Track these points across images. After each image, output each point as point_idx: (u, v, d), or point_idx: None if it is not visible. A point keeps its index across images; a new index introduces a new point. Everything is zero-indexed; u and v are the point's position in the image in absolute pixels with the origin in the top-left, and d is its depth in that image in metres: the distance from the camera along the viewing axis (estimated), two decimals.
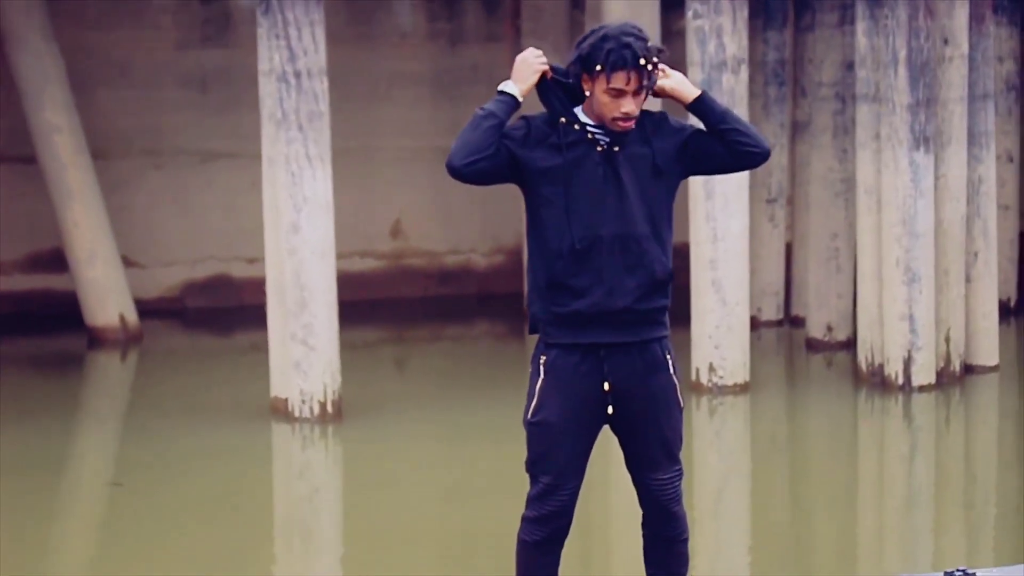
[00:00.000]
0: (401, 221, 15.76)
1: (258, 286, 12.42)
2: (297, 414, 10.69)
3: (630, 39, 5.06)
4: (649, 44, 5.09)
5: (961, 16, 11.50)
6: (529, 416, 5.25)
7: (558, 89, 5.17)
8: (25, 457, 10.07)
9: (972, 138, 11.82)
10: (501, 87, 5.22)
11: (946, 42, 11.48)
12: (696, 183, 11.40)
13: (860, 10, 11.51)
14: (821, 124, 12.98)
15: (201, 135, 15.20)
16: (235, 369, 12.96)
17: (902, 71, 11.24)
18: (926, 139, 11.29)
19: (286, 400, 10.75)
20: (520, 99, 5.20)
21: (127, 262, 14.34)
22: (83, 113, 13.83)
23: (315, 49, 10.61)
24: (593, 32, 5.14)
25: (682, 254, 12.32)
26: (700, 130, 5.28)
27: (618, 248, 5.15)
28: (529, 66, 5.22)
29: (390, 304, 15.38)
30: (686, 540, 5.28)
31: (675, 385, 5.27)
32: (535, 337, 5.23)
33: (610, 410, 5.21)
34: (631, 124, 5.11)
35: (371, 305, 15.06)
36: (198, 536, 8.47)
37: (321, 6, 10.66)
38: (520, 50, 16.26)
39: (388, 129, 15.59)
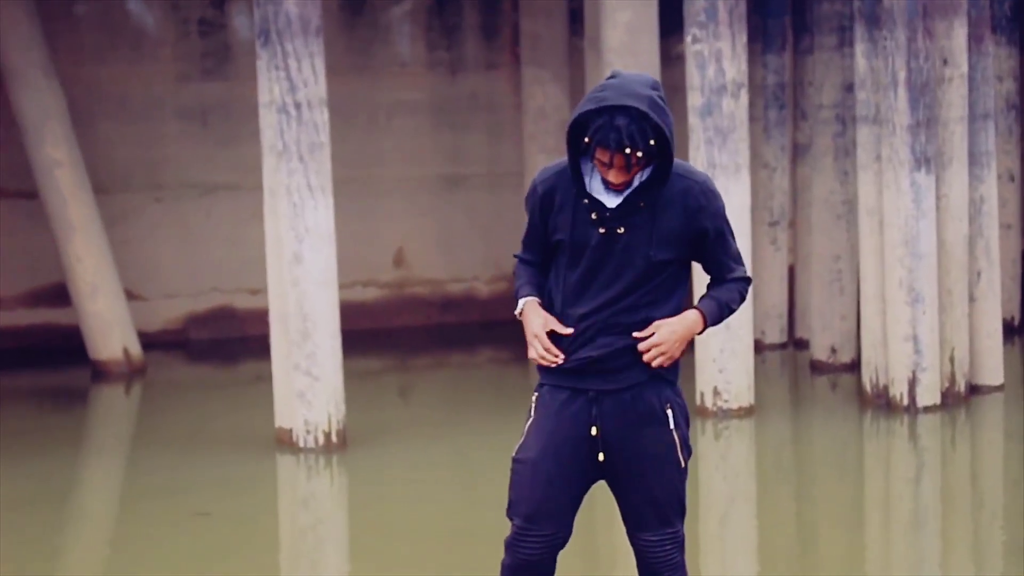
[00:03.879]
0: (403, 250, 15.76)
1: (261, 317, 12.42)
2: (302, 444, 10.69)
3: (623, 121, 4.85)
4: (646, 123, 4.86)
5: (960, 36, 11.51)
6: (514, 453, 5.11)
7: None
8: (29, 491, 10.05)
9: (973, 158, 11.83)
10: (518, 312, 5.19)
11: (945, 62, 11.49)
12: None
13: (859, 32, 11.52)
14: (822, 146, 12.99)
15: (202, 167, 15.22)
16: (239, 400, 12.95)
17: (902, 92, 11.25)
18: (927, 160, 11.29)
19: (290, 430, 10.75)
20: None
21: (130, 295, 14.34)
22: (84, 147, 13.85)
23: (315, 80, 10.62)
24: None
25: None
26: (715, 244, 5.13)
27: (611, 324, 5.02)
28: (528, 331, 5.11)
29: (393, 333, 15.38)
30: None
31: (673, 442, 5.06)
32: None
33: (601, 457, 5.02)
34: (623, 185, 4.96)
35: (374, 334, 15.06)
36: (202, 566, 8.45)
37: (320, 37, 10.68)
38: (519, 78, 16.31)
39: (389, 158, 15.61)
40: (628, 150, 4.86)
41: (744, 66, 11.40)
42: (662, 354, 5.00)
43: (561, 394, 5.05)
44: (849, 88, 12.49)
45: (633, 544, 5.14)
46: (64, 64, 14.16)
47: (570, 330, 5.03)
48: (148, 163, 15.09)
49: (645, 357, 5.00)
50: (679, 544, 5.13)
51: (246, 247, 14.73)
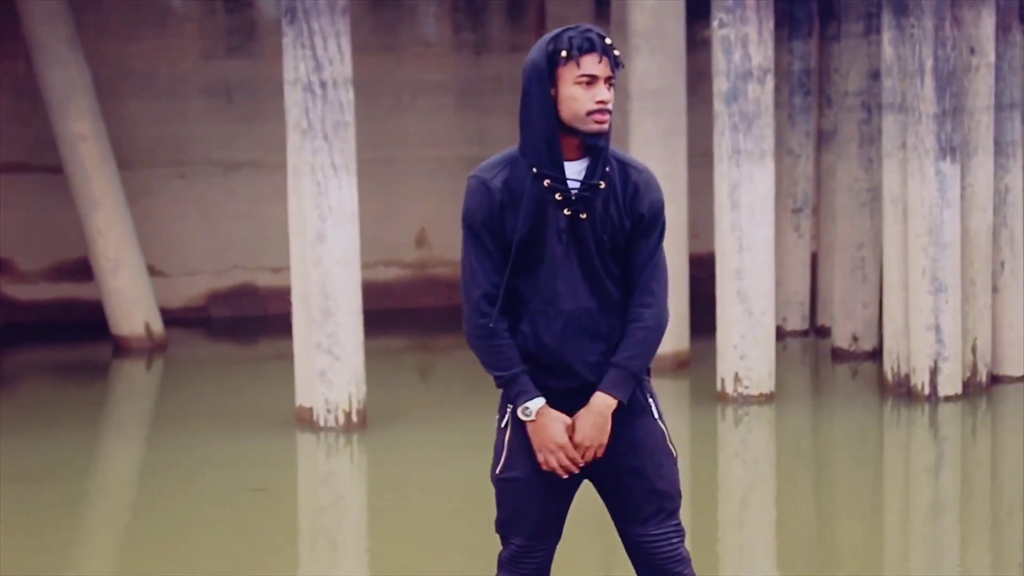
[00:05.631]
0: (426, 230, 15.77)
1: (283, 295, 12.43)
2: (322, 423, 10.70)
3: (591, 30, 4.70)
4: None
5: (987, 25, 11.47)
6: (498, 472, 4.95)
7: None
8: (50, 465, 10.09)
9: (999, 147, 11.79)
10: (523, 409, 4.86)
11: (972, 51, 11.44)
12: (722, 193, 11.38)
13: (886, 20, 11.48)
14: (847, 134, 12.95)
15: (226, 144, 15.24)
16: (260, 378, 12.97)
17: (928, 80, 11.21)
18: (952, 149, 11.25)
19: (311, 409, 10.76)
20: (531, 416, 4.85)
21: (152, 271, 14.37)
22: (108, 123, 13.87)
23: (340, 59, 10.61)
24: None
25: (707, 264, 12.32)
26: (640, 235, 4.81)
27: (580, 323, 4.80)
28: (549, 442, 4.82)
29: (415, 313, 15.39)
30: None
31: (662, 432, 4.89)
32: None
33: (589, 461, 4.83)
34: (607, 119, 4.70)
35: (396, 314, 15.07)
36: (222, 542, 8.47)
37: (347, 16, 10.67)
38: None
39: (413, 139, 15.61)
40: (607, 39, 4.67)
41: (770, 52, 11.37)
42: (587, 450, 4.80)
43: None
44: (875, 75, 12.45)
45: (631, 542, 4.93)
46: (89, 39, 14.18)
47: (580, 460, 4.80)
48: (172, 139, 15.11)
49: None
50: (682, 536, 4.94)
51: (269, 225, 14.74)
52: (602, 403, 4.79)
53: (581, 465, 4.82)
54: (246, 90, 15.19)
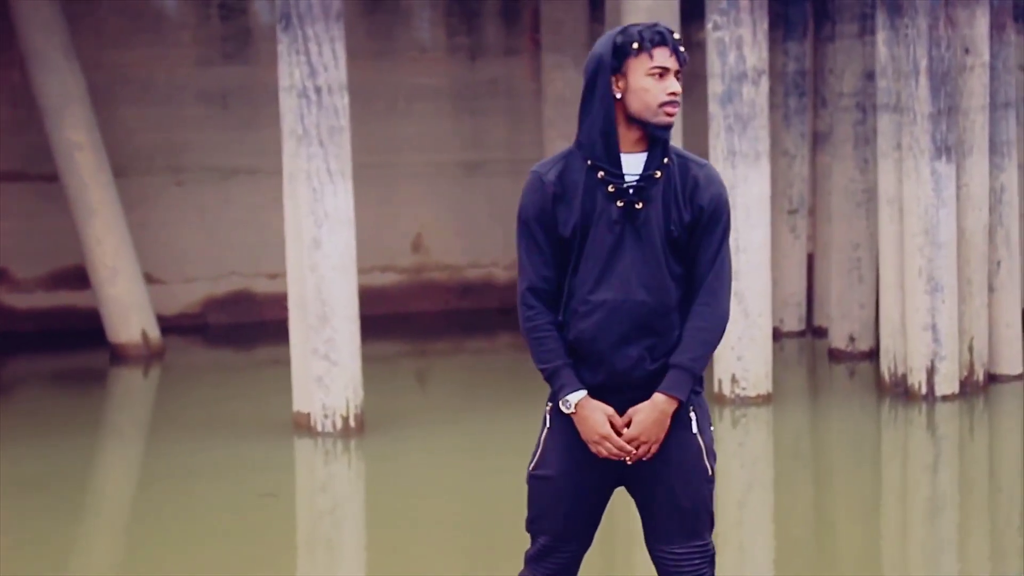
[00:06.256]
0: (422, 235, 15.78)
1: (279, 301, 12.44)
2: (319, 428, 10.70)
3: (658, 24, 4.75)
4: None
5: (982, 25, 11.48)
6: (531, 468, 4.90)
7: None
8: (47, 473, 10.09)
9: (994, 147, 11.80)
10: (563, 402, 4.81)
11: (967, 51, 11.46)
12: None
13: (880, 20, 11.50)
14: (842, 134, 12.96)
15: (222, 151, 15.25)
16: (257, 384, 12.97)
17: (923, 80, 11.22)
18: (947, 148, 11.27)
19: (308, 415, 10.77)
20: (570, 407, 4.81)
21: (149, 278, 14.38)
22: (104, 131, 13.88)
23: (335, 65, 10.62)
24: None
25: None
26: (703, 233, 4.80)
27: (623, 315, 4.75)
28: (592, 432, 4.78)
29: (411, 318, 15.40)
30: None
31: (699, 448, 4.81)
32: None
33: (628, 463, 4.79)
34: (676, 111, 4.73)
35: (392, 319, 15.07)
36: (220, 549, 8.47)
37: (341, 22, 10.68)
38: (539, 64, 16.34)
39: (408, 144, 15.62)
40: (675, 34, 4.71)
41: (765, 53, 11.38)
42: (643, 444, 4.77)
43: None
44: (870, 76, 12.47)
45: (656, 559, 4.87)
46: (85, 47, 14.19)
47: (631, 448, 4.76)
48: (168, 147, 15.12)
49: (624, 439, 4.77)
50: (709, 559, 4.86)
51: (265, 231, 14.75)
52: (663, 402, 4.75)
53: (635, 456, 4.77)
54: (242, 97, 15.20)
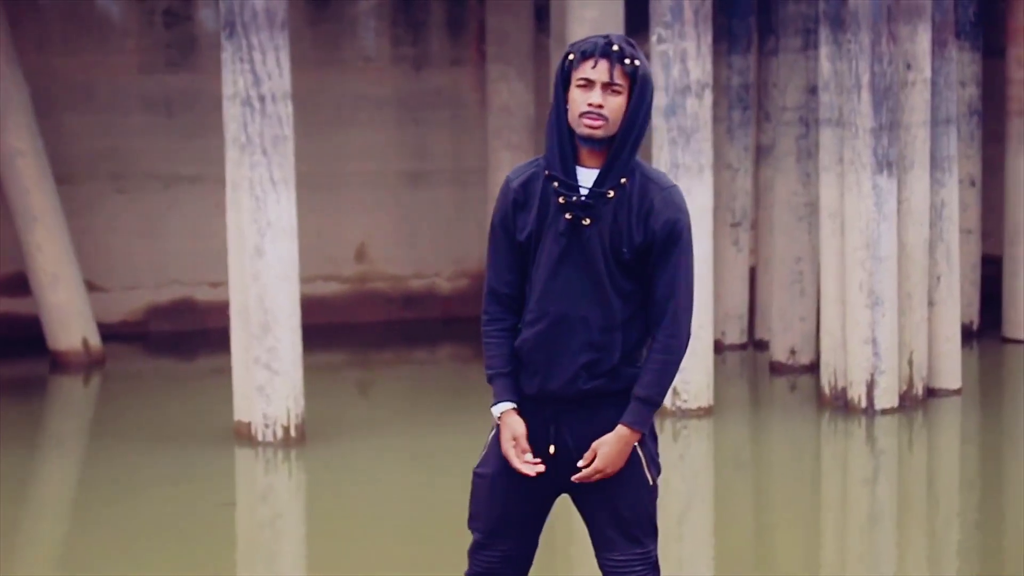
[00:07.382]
0: (365, 245, 15.75)
1: (222, 310, 12.39)
2: (260, 438, 10.67)
3: (605, 37, 4.78)
4: (633, 49, 4.76)
5: (924, 41, 11.57)
6: (476, 465, 5.00)
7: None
8: None
9: (935, 162, 11.88)
10: (492, 409, 4.95)
11: (909, 67, 11.54)
12: None
13: (823, 35, 11.57)
14: (785, 148, 13.02)
15: (165, 159, 15.18)
16: (198, 393, 12.93)
17: (865, 95, 11.30)
18: (889, 163, 11.34)
19: (249, 424, 10.73)
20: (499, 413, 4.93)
21: (90, 286, 14.30)
22: (47, 137, 13.79)
23: (280, 73, 10.60)
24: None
25: None
26: (658, 260, 4.81)
27: (563, 328, 4.82)
28: (503, 445, 4.90)
29: (354, 328, 15.36)
30: None
31: (638, 458, 4.87)
32: None
33: (563, 472, 4.85)
34: (599, 124, 4.71)
35: (335, 329, 15.04)
36: (160, 561, 8.43)
37: (286, 31, 10.66)
38: (484, 75, 16.33)
39: (353, 153, 15.59)
40: (616, 48, 4.70)
41: (709, 67, 11.43)
42: (599, 471, 4.84)
43: (521, 407, 4.90)
44: (813, 90, 12.54)
45: (601, 565, 4.93)
46: (27, 53, 14.11)
47: (535, 470, 4.85)
48: (111, 154, 15.05)
49: (583, 472, 4.84)
50: (650, 565, 4.90)
51: (208, 239, 14.69)
52: (628, 435, 4.85)
53: (580, 478, 4.85)
54: (186, 104, 15.14)
